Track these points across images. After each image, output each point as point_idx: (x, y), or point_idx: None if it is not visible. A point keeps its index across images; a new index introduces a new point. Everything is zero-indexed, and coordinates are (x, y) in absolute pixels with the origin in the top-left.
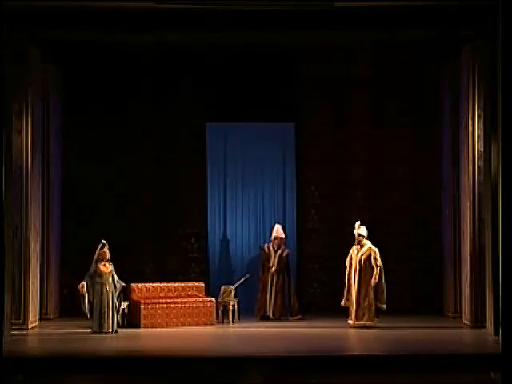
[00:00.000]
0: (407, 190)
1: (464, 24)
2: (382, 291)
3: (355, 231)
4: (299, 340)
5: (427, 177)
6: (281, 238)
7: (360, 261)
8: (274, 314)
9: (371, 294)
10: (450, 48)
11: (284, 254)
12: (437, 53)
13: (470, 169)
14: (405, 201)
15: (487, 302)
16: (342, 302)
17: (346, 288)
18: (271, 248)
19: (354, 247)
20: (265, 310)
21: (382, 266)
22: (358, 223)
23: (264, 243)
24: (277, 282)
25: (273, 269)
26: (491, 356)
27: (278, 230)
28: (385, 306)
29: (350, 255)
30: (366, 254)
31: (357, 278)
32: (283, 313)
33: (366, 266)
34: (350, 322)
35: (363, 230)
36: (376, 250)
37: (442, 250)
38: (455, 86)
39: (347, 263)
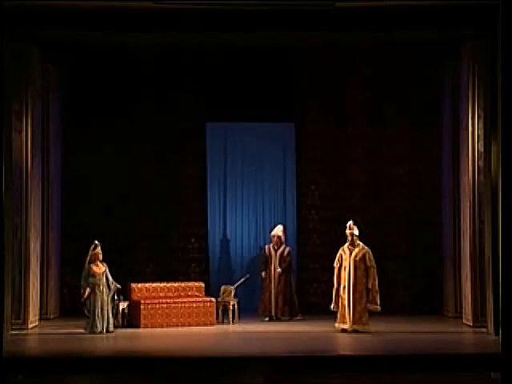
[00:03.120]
0: (407, 190)
1: (464, 24)
2: (377, 292)
3: (348, 231)
4: (299, 340)
5: (427, 177)
6: (278, 237)
7: (354, 261)
8: (275, 314)
9: (365, 295)
10: (450, 48)
11: (285, 253)
12: (437, 53)
13: (470, 169)
14: (405, 201)
15: (487, 302)
16: (332, 306)
17: (336, 291)
18: (271, 248)
19: (346, 247)
20: (269, 311)
21: (375, 266)
22: (351, 222)
23: (265, 244)
24: (279, 282)
25: (277, 270)
26: (491, 356)
27: (276, 229)
28: (380, 308)
29: (339, 256)
30: (360, 254)
31: (352, 280)
32: (285, 313)
33: (361, 267)
34: (343, 325)
35: (356, 230)
36: (369, 249)
37: (442, 250)
38: (455, 86)
39: (336, 264)
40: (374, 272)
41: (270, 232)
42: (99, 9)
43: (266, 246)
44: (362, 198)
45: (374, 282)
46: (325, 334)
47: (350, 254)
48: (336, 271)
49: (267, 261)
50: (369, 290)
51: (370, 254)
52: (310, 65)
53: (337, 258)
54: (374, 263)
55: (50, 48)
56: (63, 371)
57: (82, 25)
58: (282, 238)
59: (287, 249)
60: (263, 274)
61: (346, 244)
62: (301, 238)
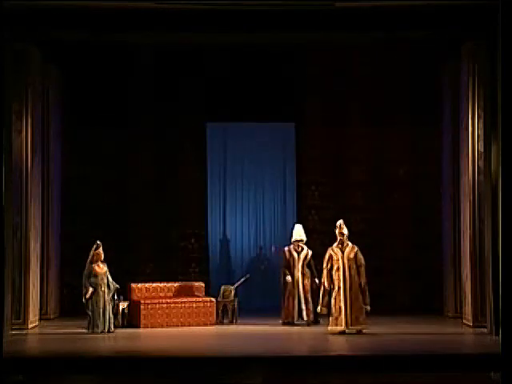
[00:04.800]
0: (407, 190)
1: (464, 24)
2: (366, 291)
3: (338, 230)
4: (299, 340)
5: (427, 177)
6: (302, 241)
7: (348, 261)
8: (302, 319)
9: (360, 294)
10: (450, 48)
11: (309, 256)
12: (437, 53)
13: (470, 169)
14: (405, 201)
15: (487, 302)
16: (319, 309)
17: (324, 292)
18: (292, 250)
19: (336, 248)
20: (292, 317)
21: (364, 263)
22: (341, 222)
23: (284, 246)
24: (307, 285)
25: (298, 273)
26: (491, 356)
27: (298, 232)
28: (369, 308)
29: (328, 256)
30: (352, 253)
31: (348, 280)
32: (311, 317)
33: (353, 266)
34: (338, 328)
35: (346, 229)
36: (357, 247)
37: (442, 250)
38: (455, 86)
39: (326, 265)
40: (363, 270)
41: (291, 233)
42: (99, 9)
43: (286, 249)
44: (362, 197)
45: (366, 281)
46: (324, 335)
47: (343, 254)
48: (326, 272)
49: (289, 264)
50: (362, 290)
51: (360, 252)
52: (310, 65)
53: (326, 259)
54: (363, 261)
55: (50, 48)
56: (63, 371)
57: (82, 25)
58: (304, 241)
59: (310, 252)
60: (289, 278)
61: (335, 244)
62: None
